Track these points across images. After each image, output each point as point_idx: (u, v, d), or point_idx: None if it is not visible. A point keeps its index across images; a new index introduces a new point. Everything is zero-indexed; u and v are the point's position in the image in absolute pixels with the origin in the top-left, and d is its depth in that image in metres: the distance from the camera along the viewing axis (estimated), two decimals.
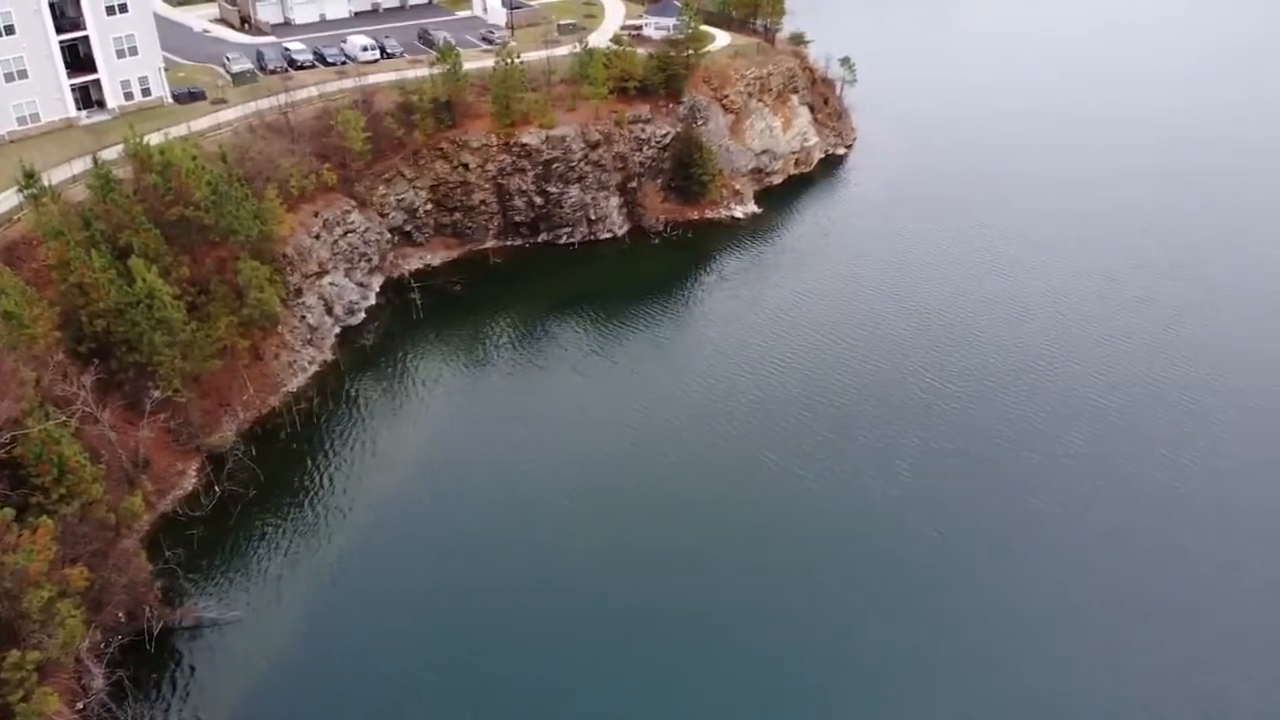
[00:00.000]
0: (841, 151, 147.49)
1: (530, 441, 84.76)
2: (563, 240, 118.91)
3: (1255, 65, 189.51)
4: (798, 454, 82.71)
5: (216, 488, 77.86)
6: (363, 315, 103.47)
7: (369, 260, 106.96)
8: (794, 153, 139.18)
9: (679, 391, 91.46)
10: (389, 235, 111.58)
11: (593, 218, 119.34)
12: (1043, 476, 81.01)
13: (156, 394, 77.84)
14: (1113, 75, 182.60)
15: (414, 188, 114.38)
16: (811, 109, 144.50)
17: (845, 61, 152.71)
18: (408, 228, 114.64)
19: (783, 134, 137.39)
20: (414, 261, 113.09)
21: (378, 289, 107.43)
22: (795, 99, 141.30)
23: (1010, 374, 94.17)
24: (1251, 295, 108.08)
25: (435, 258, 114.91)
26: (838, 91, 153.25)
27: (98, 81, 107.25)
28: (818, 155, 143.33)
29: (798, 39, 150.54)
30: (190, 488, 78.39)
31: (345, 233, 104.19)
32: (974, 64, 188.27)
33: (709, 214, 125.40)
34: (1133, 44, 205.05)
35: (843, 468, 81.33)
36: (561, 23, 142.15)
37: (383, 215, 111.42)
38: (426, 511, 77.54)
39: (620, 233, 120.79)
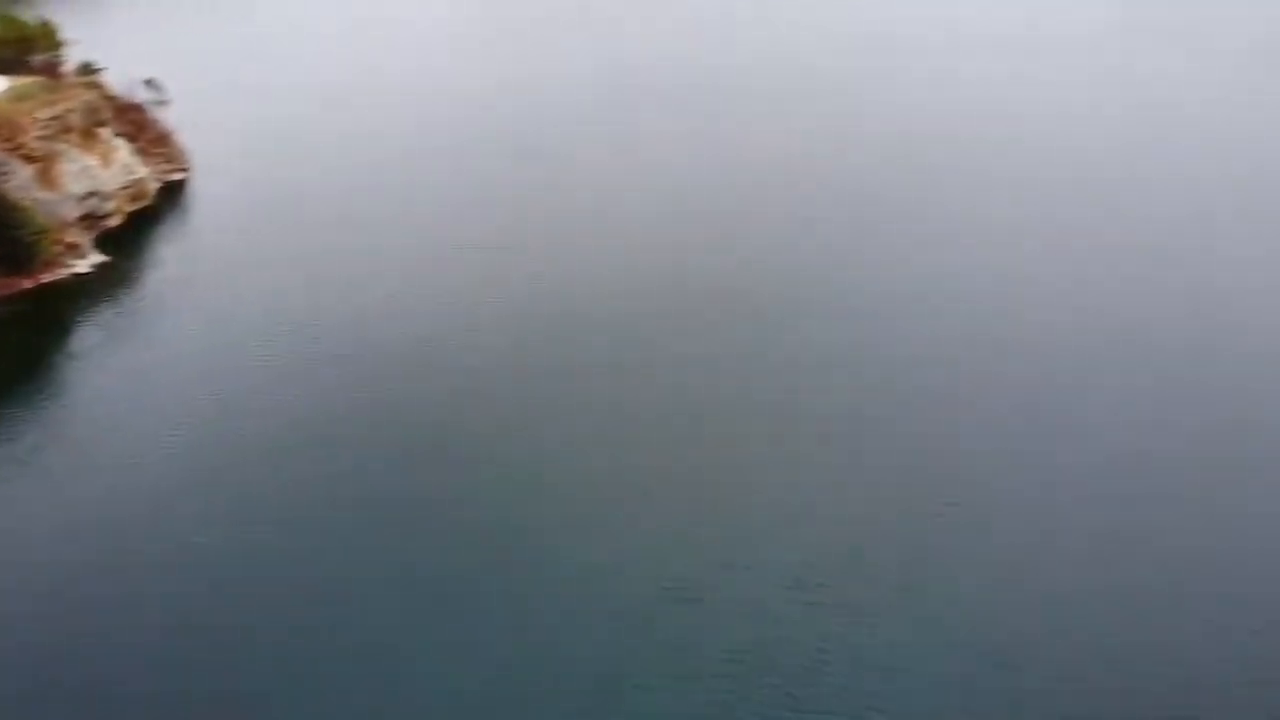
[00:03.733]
0: (178, 176, 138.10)
1: None
2: None
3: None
4: (196, 520, 73.56)
5: None
6: None
7: None
8: (125, 188, 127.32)
9: (68, 480, 79.04)
10: None
11: None
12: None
13: None
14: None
15: None
16: (129, 138, 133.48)
17: (150, 82, 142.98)
18: None
19: (104, 171, 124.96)
20: None
21: None
22: (106, 132, 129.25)
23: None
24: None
25: None
26: (152, 115, 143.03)
27: None
28: (154, 185, 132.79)
29: (88, 69, 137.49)
30: None
31: None
32: (283, 65, 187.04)
33: (47, 277, 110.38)
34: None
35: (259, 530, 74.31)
36: None
37: None
38: None
39: None
